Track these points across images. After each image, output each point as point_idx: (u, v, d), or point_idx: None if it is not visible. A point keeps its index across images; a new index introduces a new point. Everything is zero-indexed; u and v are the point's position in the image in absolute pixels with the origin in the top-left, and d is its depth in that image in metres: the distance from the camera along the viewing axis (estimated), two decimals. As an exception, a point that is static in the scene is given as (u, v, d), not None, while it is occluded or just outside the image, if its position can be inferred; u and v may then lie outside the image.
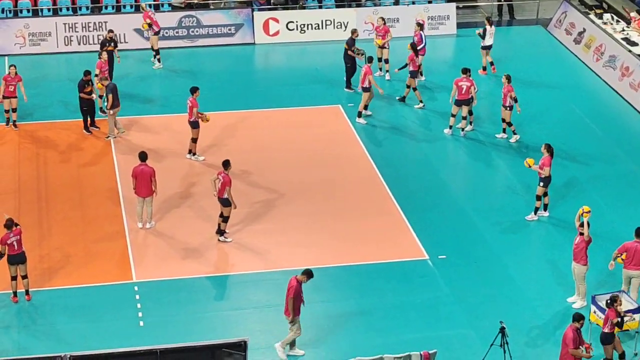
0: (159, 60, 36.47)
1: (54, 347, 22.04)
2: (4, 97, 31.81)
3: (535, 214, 27.51)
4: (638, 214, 26.71)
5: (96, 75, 32.19)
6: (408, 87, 33.73)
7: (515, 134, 31.28)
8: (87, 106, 31.40)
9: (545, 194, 27.33)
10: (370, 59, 32.82)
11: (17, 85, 31.66)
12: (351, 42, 34.59)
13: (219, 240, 26.41)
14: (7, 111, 32.06)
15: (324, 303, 24.17)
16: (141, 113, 33.03)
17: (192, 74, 35.90)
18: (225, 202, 26.12)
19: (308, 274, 22.15)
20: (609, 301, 21.51)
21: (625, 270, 23.70)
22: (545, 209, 27.56)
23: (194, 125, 29.78)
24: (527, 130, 31.78)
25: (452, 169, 30.54)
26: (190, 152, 30.25)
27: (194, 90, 29.86)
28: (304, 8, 39.83)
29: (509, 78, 30.66)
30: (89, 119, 31.66)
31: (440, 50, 37.57)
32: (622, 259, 23.59)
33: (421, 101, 33.54)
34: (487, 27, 35.92)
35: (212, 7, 39.61)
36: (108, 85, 31.00)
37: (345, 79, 34.79)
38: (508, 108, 30.79)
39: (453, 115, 31.64)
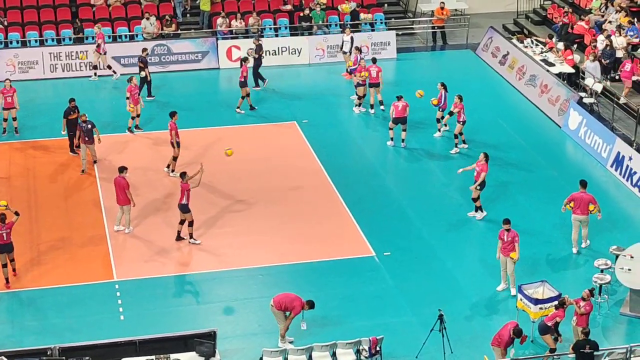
0: (95, 74, 37.19)
1: (44, 339, 21.83)
2: (3, 109, 31.86)
3: (476, 211, 27.60)
4: (556, 212, 26.88)
5: (127, 98, 32.16)
6: (242, 97, 34.37)
7: (456, 146, 31.41)
8: (72, 130, 30.74)
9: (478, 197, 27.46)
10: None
11: (13, 96, 31.63)
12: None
13: (189, 242, 26.29)
14: (5, 120, 32.16)
15: (283, 296, 24.14)
16: (118, 131, 32.78)
17: (164, 96, 35.71)
18: (183, 208, 26.07)
19: (311, 305, 21.92)
20: (557, 304, 21.62)
21: (574, 215, 25.64)
22: (479, 210, 27.65)
23: (176, 145, 29.61)
24: (459, 140, 31.86)
25: (395, 176, 30.57)
26: (168, 166, 30.01)
27: (172, 114, 29.68)
28: (262, 37, 39.78)
29: (460, 98, 30.84)
30: (75, 141, 30.90)
31: (382, 72, 37.55)
32: (570, 207, 25.58)
33: (252, 107, 34.29)
34: (345, 36, 37.72)
35: (181, 36, 39.48)
36: (88, 122, 29.71)
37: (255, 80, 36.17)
38: (461, 122, 30.93)
39: (391, 129, 31.75)
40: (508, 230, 23.69)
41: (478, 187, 27.20)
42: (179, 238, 26.41)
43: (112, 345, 20.46)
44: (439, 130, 32.56)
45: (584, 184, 25.79)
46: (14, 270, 24.43)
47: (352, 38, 37.60)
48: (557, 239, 26.59)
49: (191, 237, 26.31)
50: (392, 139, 31.88)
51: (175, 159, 29.81)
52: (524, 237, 24.56)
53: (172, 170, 29.83)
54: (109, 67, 37.15)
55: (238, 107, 34.36)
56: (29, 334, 22.61)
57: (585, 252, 25.84)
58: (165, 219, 27.56)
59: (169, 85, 36.90)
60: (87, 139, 29.64)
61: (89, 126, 29.63)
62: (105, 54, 37.01)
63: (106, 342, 20.62)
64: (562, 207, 25.92)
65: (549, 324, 21.37)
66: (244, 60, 34.61)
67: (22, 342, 22.05)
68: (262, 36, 38.40)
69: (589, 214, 25.54)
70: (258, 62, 36.28)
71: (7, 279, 24.17)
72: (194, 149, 31.46)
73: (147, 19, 38.94)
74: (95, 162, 30.15)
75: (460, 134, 31.40)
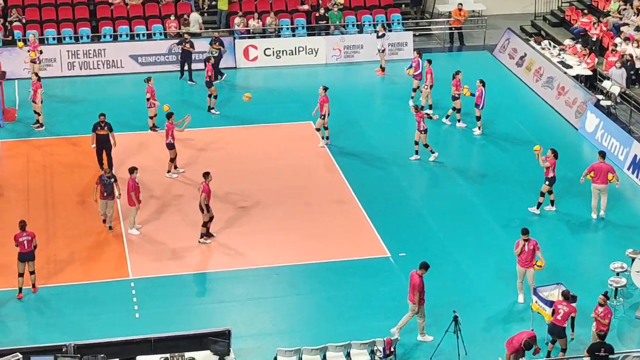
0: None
1: (60, 337, 21.85)
2: (34, 102, 31.96)
3: (537, 208, 27.73)
4: (572, 214, 26.79)
5: (148, 100, 32.09)
6: (209, 96, 34.38)
7: (416, 153, 31.08)
8: (100, 144, 29.77)
9: (550, 192, 27.59)
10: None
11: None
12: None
13: (199, 241, 26.33)
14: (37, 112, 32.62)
15: (298, 296, 24.16)
16: (135, 130, 32.89)
17: (181, 94, 35.81)
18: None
19: (425, 266, 22.01)
20: (570, 299, 21.49)
21: (593, 184, 27.04)
22: (552, 204, 27.84)
23: (170, 146, 29.60)
24: (476, 142, 31.82)
25: (411, 176, 30.44)
26: (169, 172, 29.96)
27: (169, 115, 29.64)
28: (279, 36, 39.86)
29: (416, 108, 30.60)
30: (104, 157, 29.65)
31: (399, 72, 37.62)
32: (590, 176, 26.91)
33: (212, 108, 34.25)
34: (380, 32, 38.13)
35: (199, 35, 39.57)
36: (112, 176, 26.96)
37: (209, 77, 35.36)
38: (423, 132, 30.56)
39: (327, 127, 31.77)
40: (527, 240, 23.43)
41: (547, 183, 27.38)
42: (206, 234, 26.51)
43: (127, 343, 20.48)
44: (479, 128, 32.59)
45: (602, 154, 27.21)
46: (33, 285, 24.07)
47: (384, 35, 37.73)
48: (573, 241, 26.54)
49: (202, 236, 26.38)
50: (328, 137, 32.01)
51: (172, 160, 29.75)
52: (540, 240, 24.45)
53: (168, 171, 29.78)
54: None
55: (212, 108, 34.29)
56: (44, 331, 22.70)
57: (601, 254, 25.74)
58: (181, 217, 27.61)
59: (186, 84, 36.95)
60: (106, 194, 26.63)
61: (112, 180, 26.70)
62: (40, 62, 36.06)
63: (121, 339, 20.64)
64: (581, 177, 27.14)
65: (564, 325, 21.31)
66: (207, 60, 34.59)
67: (38, 338, 22.15)
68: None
69: (608, 182, 26.73)
70: (219, 57, 36.47)
71: (20, 289, 23.88)
72: (210, 147, 31.51)
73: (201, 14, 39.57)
74: (110, 228, 26.96)
75: (426, 145, 30.71)
